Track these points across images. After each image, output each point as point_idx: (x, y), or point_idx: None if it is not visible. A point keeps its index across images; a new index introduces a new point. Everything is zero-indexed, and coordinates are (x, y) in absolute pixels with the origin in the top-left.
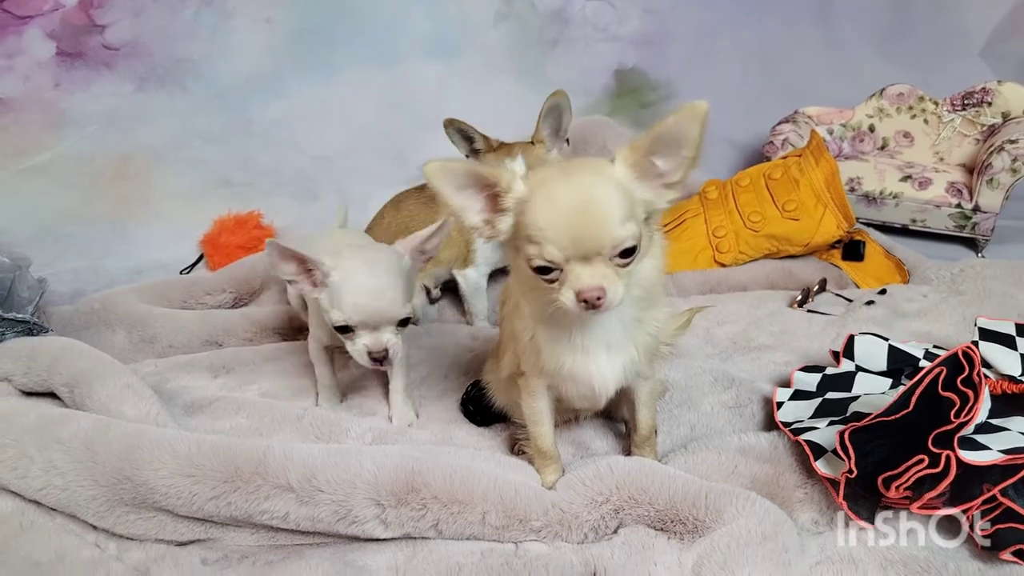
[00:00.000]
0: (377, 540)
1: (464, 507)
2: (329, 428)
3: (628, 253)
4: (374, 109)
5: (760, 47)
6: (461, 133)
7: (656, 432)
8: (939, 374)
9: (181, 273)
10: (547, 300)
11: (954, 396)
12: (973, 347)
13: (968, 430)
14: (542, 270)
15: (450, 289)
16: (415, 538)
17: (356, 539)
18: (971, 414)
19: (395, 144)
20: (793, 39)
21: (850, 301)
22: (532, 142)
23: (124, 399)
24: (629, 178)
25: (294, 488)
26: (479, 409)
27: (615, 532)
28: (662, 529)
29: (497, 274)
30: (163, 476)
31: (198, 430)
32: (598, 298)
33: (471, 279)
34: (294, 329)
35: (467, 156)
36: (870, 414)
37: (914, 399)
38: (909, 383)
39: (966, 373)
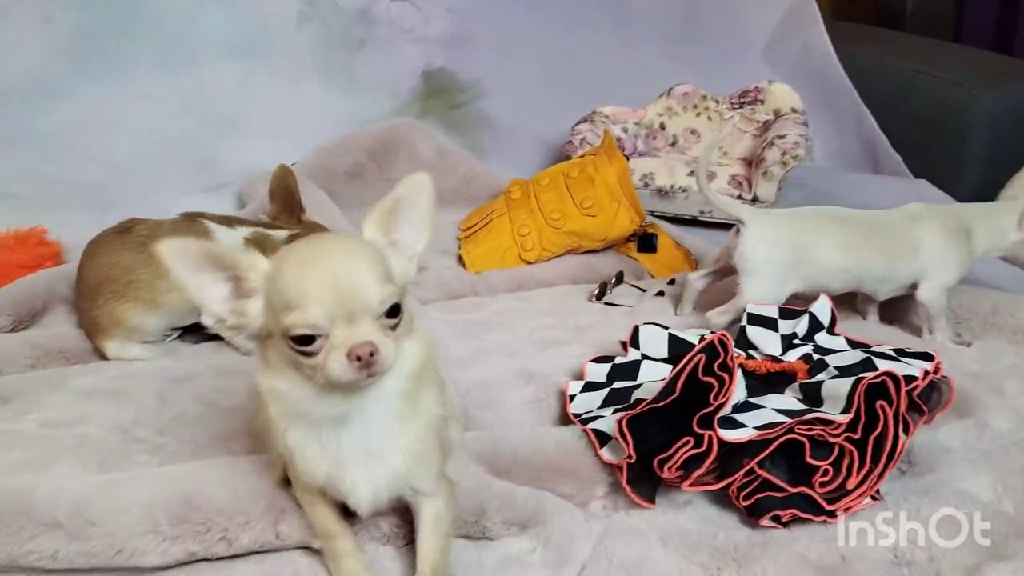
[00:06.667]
0: (163, 569)
1: (250, 518)
2: (112, 456)
3: (394, 312)
4: (171, 114)
5: (562, 48)
6: None
7: None
8: (699, 361)
9: None
10: (308, 383)
11: (712, 380)
12: (726, 335)
13: (726, 410)
14: (304, 340)
15: None
16: (202, 560)
17: (138, 570)
18: (726, 396)
19: (195, 151)
20: (592, 41)
21: (644, 291)
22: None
23: None
24: (379, 244)
25: (63, 525)
26: None
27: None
28: None
29: None
30: None
31: None
32: (371, 354)
33: None
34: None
35: None
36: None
37: (679, 385)
38: (674, 370)
39: (721, 358)
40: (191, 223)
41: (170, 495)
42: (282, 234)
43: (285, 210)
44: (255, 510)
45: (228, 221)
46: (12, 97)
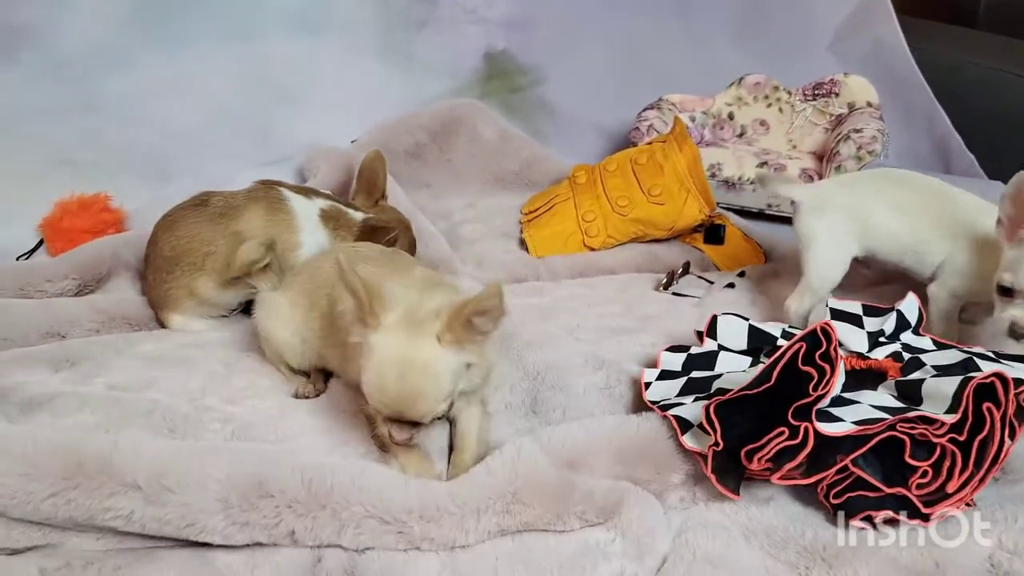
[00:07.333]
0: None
1: (323, 513)
2: (183, 423)
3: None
4: (232, 85)
5: (623, 35)
6: None
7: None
8: (799, 349)
9: (18, 259)
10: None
11: (812, 370)
12: (830, 324)
13: (825, 403)
14: None
15: None
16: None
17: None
18: (828, 387)
19: (255, 122)
20: (655, 28)
21: (712, 283)
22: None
23: None
24: (454, 350)
25: (141, 487)
26: None
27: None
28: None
29: None
30: None
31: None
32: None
33: None
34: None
35: None
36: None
37: (776, 373)
38: (772, 358)
39: (824, 348)
40: (267, 191)
41: (248, 475)
42: (358, 216)
43: (362, 190)
44: (328, 503)
45: (305, 192)
46: (78, 64)
